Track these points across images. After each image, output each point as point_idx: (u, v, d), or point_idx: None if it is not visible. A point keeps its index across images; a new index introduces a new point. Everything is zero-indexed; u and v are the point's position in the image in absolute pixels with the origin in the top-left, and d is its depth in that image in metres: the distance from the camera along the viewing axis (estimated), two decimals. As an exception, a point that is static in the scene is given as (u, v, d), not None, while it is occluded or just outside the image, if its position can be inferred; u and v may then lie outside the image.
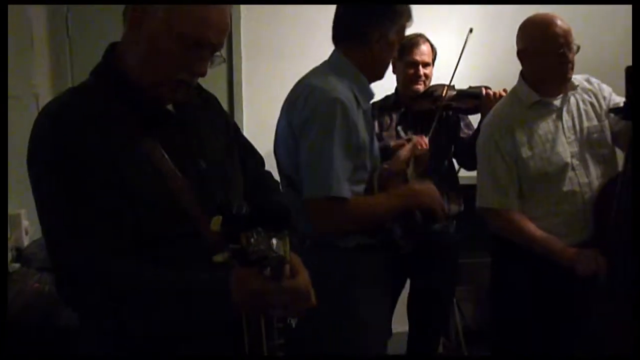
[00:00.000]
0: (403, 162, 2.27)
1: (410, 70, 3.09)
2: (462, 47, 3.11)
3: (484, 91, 3.05)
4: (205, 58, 1.39)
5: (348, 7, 2.11)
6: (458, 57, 3.13)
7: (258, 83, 3.74)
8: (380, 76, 2.20)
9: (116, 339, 1.36)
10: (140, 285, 1.28)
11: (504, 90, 2.91)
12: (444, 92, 3.11)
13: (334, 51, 2.17)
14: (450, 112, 3.21)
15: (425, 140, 2.84)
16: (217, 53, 1.42)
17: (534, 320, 2.41)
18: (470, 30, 3.10)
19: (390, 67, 2.68)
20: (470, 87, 3.18)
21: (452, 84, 3.16)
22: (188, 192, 1.38)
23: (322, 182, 1.93)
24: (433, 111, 3.09)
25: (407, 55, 3.06)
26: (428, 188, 2.19)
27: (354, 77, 2.09)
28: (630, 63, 2.12)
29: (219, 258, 1.27)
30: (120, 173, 1.31)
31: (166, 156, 1.38)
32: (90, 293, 1.28)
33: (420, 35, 3.09)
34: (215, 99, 1.69)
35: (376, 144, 2.25)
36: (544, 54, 2.33)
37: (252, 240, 1.22)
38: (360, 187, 2.06)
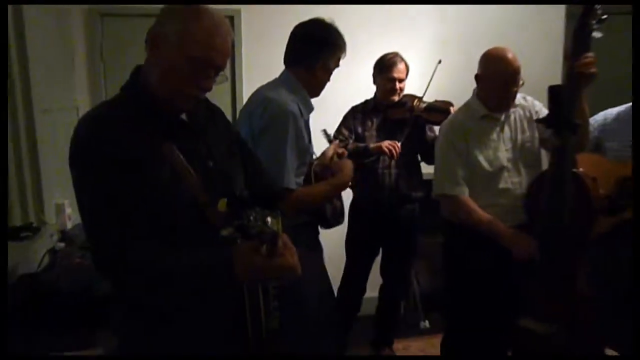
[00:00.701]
0: (328, 158, 2.30)
1: (388, 85, 3.12)
2: (432, 74, 3.11)
3: (451, 110, 3.02)
4: (211, 76, 1.40)
5: (299, 41, 2.18)
6: (429, 80, 3.12)
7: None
8: (317, 94, 2.25)
9: (143, 304, 1.38)
10: (162, 262, 1.30)
11: None
12: (416, 104, 3.15)
13: (284, 70, 2.23)
14: (421, 122, 3.20)
15: (397, 145, 3.00)
16: (221, 72, 1.43)
17: (478, 288, 2.43)
18: (439, 62, 3.11)
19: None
20: (436, 101, 3.17)
21: (422, 97, 3.18)
22: (198, 186, 1.38)
23: (277, 176, 1.98)
24: (406, 120, 3.12)
25: (387, 72, 3.11)
26: (348, 171, 2.22)
27: (300, 93, 2.16)
28: (548, 79, 2.13)
29: (225, 232, 1.30)
30: (145, 170, 1.31)
31: (181, 156, 1.37)
32: (122, 269, 1.29)
33: (397, 55, 3.13)
34: (221, 111, 1.68)
35: (312, 146, 2.27)
36: (493, 83, 2.36)
37: (252, 217, 1.27)
38: (301, 179, 2.14)
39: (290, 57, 2.21)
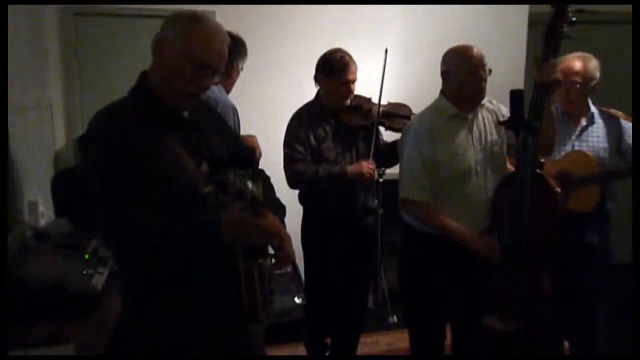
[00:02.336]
0: None
1: (342, 89, 2.76)
2: (383, 66, 2.90)
3: (412, 117, 2.83)
4: (209, 76, 1.55)
5: None
6: (381, 76, 2.91)
7: (249, 100, 3.58)
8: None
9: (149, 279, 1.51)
10: (159, 226, 1.44)
11: None
12: (373, 109, 2.88)
13: None
14: (383, 129, 2.94)
15: (373, 165, 2.75)
16: (217, 76, 1.59)
17: (432, 286, 2.43)
18: (386, 51, 2.89)
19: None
20: (390, 104, 2.98)
21: (375, 101, 2.91)
22: (198, 174, 1.53)
23: None
24: (364, 127, 2.86)
25: (340, 75, 2.74)
26: None
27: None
28: (512, 85, 2.17)
29: (206, 189, 1.43)
30: (152, 161, 1.46)
31: (182, 149, 1.52)
32: (132, 242, 1.44)
33: (346, 53, 2.78)
34: (219, 113, 1.90)
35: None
36: (462, 73, 2.31)
37: (231, 177, 1.40)
38: None
39: None
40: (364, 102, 2.91)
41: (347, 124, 2.84)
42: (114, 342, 1.79)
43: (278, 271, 1.64)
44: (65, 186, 3.03)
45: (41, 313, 1.78)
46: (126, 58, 3.64)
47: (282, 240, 1.57)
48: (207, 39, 1.52)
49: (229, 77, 2.78)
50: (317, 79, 2.84)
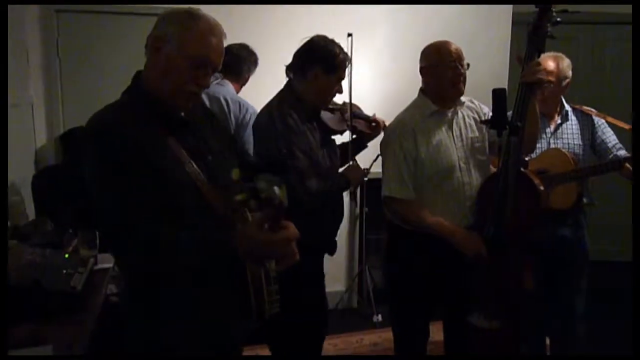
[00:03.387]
0: None
1: (337, 87, 2.43)
2: (350, 52, 2.48)
3: (382, 124, 2.61)
4: (208, 74, 1.51)
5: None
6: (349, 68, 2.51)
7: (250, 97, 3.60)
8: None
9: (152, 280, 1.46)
10: (176, 243, 1.37)
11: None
12: (346, 111, 2.58)
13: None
14: (354, 135, 2.66)
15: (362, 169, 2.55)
16: (216, 74, 1.56)
17: (416, 284, 2.40)
18: (349, 35, 2.54)
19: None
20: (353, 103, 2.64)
21: (342, 103, 2.59)
22: (198, 174, 1.49)
23: None
24: (340, 132, 2.60)
25: (340, 71, 2.40)
26: None
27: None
28: (495, 85, 2.17)
29: (239, 197, 1.35)
30: (153, 163, 1.41)
31: (183, 150, 1.49)
32: (135, 246, 1.38)
33: (342, 48, 2.42)
34: (216, 114, 1.87)
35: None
36: (440, 67, 2.30)
37: (261, 183, 1.30)
38: None
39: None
40: (334, 104, 2.58)
41: (328, 128, 2.52)
42: (105, 341, 1.77)
43: None
44: (46, 184, 3.00)
45: (20, 313, 1.75)
46: (108, 56, 3.60)
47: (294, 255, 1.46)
48: (205, 36, 1.47)
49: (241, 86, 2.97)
50: (309, 72, 2.37)
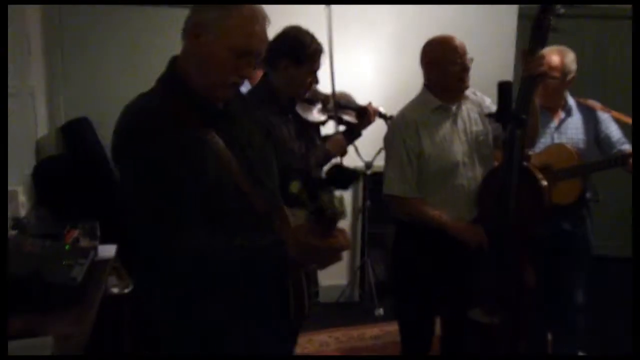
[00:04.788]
0: None
1: (310, 78, 2.37)
2: (329, 29, 2.47)
3: (372, 112, 2.57)
4: (251, 64, 1.41)
5: None
6: (329, 45, 2.49)
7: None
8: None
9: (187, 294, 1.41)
10: (218, 250, 1.33)
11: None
12: (328, 102, 2.54)
13: None
14: (339, 126, 2.62)
15: None
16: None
17: (422, 279, 2.40)
18: (327, 3, 2.48)
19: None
20: (341, 93, 2.64)
21: (329, 93, 2.58)
22: (240, 173, 1.41)
23: None
24: (323, 122, 2.57)
25: (312, 63, 2.34)
26: None
27: None
28: (501, 79, 2.14)
29: (305, 213, 1.27)
30: (190, 157, 1.34)
31: (222, 143, 1.40)
32: (185, 256, 1.32)
33: (315, 37, 2.36)
34: (252, 103, 1.77)
35: None
36: (445, 63, 2.29)
37: (326, 199, 1.22)
38: None
39: None
40: (315, 94, 2.53)
41: (306, 119, 2.47)
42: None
43: None
44: (47, 175, 2.99)
45: (19, 304, 1.74)
46: (111, 45, 3.58)
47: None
48: (249, 23, 1.36)
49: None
50: (279, 63, 2.32)
